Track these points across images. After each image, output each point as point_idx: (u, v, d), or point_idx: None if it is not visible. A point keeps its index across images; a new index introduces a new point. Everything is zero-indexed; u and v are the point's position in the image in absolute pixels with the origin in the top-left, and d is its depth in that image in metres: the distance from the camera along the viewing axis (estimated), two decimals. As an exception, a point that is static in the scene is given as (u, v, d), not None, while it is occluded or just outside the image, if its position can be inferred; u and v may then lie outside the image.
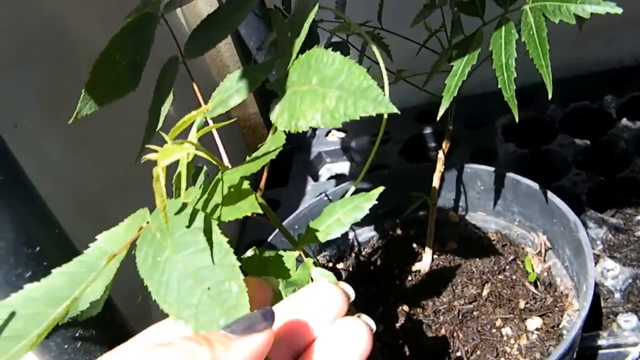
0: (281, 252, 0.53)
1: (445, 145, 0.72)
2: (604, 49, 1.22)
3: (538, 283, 0.70)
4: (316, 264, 0.62)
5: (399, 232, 0.80)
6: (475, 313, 0.70)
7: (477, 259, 0.72)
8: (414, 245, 0.77)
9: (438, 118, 0.56)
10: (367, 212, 0.49)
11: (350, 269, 0.77)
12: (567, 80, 1.22)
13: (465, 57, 0.55)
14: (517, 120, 0.53)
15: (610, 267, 0.81)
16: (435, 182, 0.72)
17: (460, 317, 0.69)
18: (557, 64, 1.29)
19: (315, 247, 0.80)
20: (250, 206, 0.44)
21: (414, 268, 0.74)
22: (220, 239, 0.38)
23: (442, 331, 0.69)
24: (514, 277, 0.72)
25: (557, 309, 0.67)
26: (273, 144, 0.52)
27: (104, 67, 0.53)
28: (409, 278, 0.73)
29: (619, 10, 0.47)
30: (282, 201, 1.15)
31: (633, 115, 1.02)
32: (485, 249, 0.74)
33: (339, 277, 0.77)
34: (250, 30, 1.15)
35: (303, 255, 0.51)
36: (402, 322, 0.70)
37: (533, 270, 0.71)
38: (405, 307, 0.70)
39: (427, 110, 1.23)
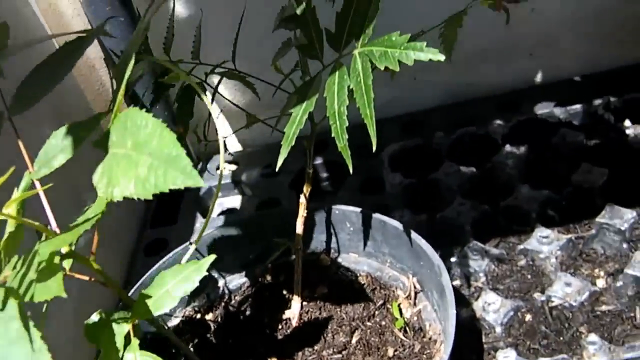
0: (114, 326, 0.49)
1: (306, 189, 0.68)
2: (496, 72, 1.22)
3: (407, 328, 0.67)
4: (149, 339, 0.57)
5: (269, 278, 0.76)
6: (343, 364, 0.66)
7: (347, 304, 0.69)
8: (285, 291, 0.74)
9: (277, 169, 0.53)
10: (197, 284, 0.45)
11: (219, 319, 0.73)
12: (460, 105, 1.22)
13: (303, 104, 0.52)
14: (351, 171, 0.50)
15: (492, 301, 0.80)
16: (299, 228, 0.68)
17: (328, 368, 0.66)
18: (449, 87, 1.29)
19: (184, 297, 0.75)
20: (57, 287, 0.40)
21: (284, 316, 0.70)
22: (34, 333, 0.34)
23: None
24: (383, 323, 0.69)
25: (424, 356, 0.64)
26: (94, 210, 0.47)
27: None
28: (279, 327, 0.69)
29: (442, 58, 0.44)
30: (171, 240, 1.09)
31: (517, 140, 1.01)
32: (356, 294, 0.71)
33: (206, 329, 0.72)
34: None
35: (132, 333, 0.46)
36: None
37: (401, 316, 0.68)
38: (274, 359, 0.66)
39: (319, 139, 1.20)
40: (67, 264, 0.47)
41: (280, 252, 0.71)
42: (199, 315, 0.73)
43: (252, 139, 1.27)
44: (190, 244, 0.68)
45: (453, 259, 0.87)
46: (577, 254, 0.85)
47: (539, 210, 0.90)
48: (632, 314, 0.76)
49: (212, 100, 0.75)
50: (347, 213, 0.74)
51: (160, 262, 0.73)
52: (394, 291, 0.72)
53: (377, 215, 0.72)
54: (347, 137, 0.49)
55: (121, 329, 0.47)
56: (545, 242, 0.85)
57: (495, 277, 0.84)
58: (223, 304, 0.75)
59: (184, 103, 0.79)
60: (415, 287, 0.70)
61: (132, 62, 0.46)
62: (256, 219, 0.78)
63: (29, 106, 0.54)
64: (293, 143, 0.53)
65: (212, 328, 0.72)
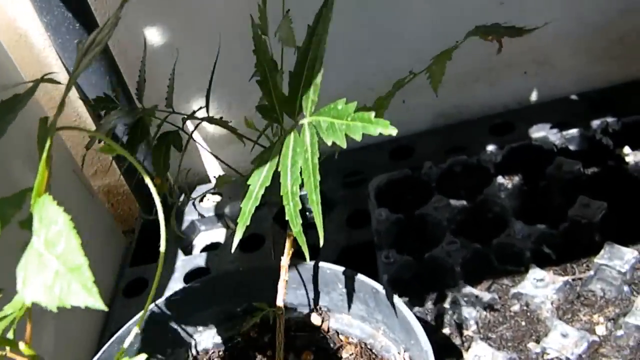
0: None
1: (287, 256, 0.63)
2: (488, 92, 1.16)
3: None
4: None
5: (250, 336, 0.71)
6: None
7: None
8: (267, 355, 0.68)
9: (232, 250, 0.48)
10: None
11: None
12: (451, 127, 1.17)
13: (260, 178, 0.47)
14: (307, 258, 0.44)
15: (483, 354, 0.74)
16: (280, 294, 0.63)
17: None
18: (440, 110, 1.23)
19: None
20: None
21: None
22: None
23: None
24: None
25: None
26: (12, 307, 0.42)
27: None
28: None
29: (394, 132, 0.39)
30: (151, 279, 1.05)
31: (511, 169, 0.96)
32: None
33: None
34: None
35: None
36: None
37: None
38: None
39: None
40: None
41: (259, 317, 0.65)
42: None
43: (236, 168, 1.22)
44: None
45: (441, 304, 0.82)
46: (574, 297, 0.79)
47: (533, 248, 0.85)
48: (634, 368, 0.70)
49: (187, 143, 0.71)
50: (337, 273, 0.68)
51: (106, 345, 0.67)
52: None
53: (369, 281, 0.66)
54: (301, 221, 0.44)
55: None
56: (540, 286, 0.79)
57: (487, 324, 0.79)
58: (192, 367, 0.70)
59: (160, 154, 0.74)
60: (407, 364, 0.65)
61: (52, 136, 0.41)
62: (231, 277, 0.73)
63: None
64: (248, 222, 0.47)
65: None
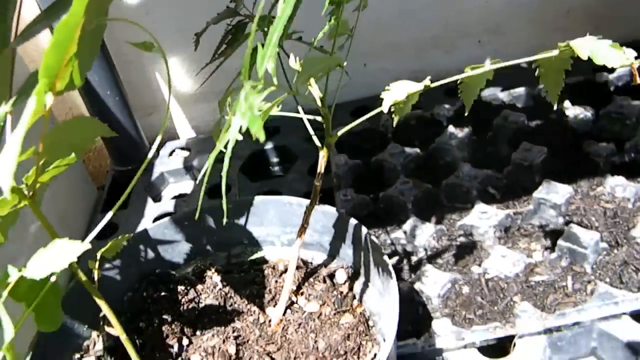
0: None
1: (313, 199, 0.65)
2: (443, 59, 1.24)
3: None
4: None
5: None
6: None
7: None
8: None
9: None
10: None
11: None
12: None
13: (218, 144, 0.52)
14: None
15: (430, 274, 0.81)
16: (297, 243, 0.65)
17: None
18: (399, 74, 1.30)
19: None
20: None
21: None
22: None
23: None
24: None
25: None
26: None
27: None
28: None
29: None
30: (121, 225, 1.09)
31: (461, 122, 1.03)
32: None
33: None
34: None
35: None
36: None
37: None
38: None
39: (271, 126, 1.21)
40: None
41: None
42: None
43: (204, 125, 1.28)
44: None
45: (394, 235, 0.88)
46: (515, 229, 0.87)
47: (479, 187, 0.92)
48: (564, 284, 0.77)
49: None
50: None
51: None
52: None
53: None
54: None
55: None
56: (484, 218, 0.86)
57: (435, 252, 0.86)
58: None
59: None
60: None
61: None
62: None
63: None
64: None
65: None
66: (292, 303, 0.68)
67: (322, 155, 0.60)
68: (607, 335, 0.73)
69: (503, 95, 1.06)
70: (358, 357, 0.60)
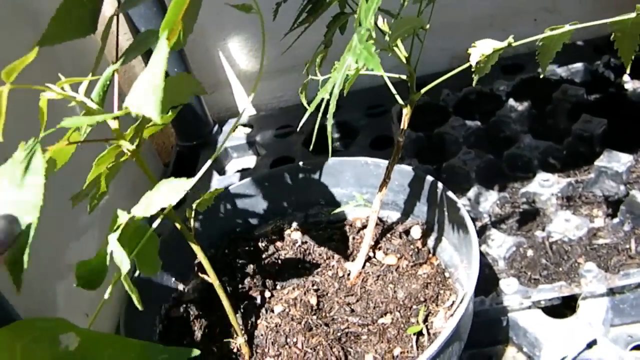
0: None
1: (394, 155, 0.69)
2: (499, 38, 1.26)
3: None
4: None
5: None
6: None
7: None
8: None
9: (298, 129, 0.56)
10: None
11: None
12: (467, 68, 1.26)
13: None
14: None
15: (495, 238, 0.84)
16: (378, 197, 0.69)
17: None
18: (456, 52, 1.33)
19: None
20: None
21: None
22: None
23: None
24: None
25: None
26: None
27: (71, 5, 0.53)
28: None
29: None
30: (188, 197, 1.14)
31: (521, 96, 1.06)
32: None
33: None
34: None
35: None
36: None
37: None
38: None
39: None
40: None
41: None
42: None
43: (265, 104, 1.32)
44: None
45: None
46: (577, 197, 0.89)
47: (540, 158, 0.95)
48: (628, 246, 0.80)
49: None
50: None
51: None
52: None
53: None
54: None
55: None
56: (546, 185, 0.89)
57: (499, 218, 0.89)
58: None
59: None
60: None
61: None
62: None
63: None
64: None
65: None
66: (370, 257, 0.72)
67: (406, 112, 0.64)
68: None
69: (561, 71, 1.09)
70: (437, 305, 0.64)
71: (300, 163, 0.79)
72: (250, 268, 0.76)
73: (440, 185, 0.68)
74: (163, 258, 0.71)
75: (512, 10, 1.23)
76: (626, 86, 1.02)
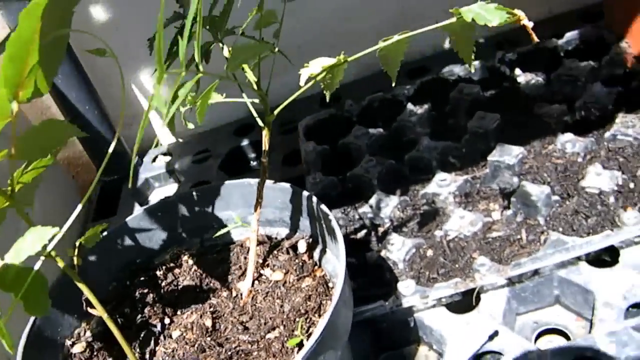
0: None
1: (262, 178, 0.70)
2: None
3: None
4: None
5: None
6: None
7: None
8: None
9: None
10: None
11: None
12: (373, 76, 1.28)
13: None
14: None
15: (395, 242, 0.86)
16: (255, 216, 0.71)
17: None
18: (363, 61, 1.35)
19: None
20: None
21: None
22: None
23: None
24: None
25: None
26: None
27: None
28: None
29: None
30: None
31: (421, 99, 1.08)
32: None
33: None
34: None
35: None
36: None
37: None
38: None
39: (245, 123, 1.27)
40: None
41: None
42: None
43: (183, 130, 1.33)
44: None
45: (361, 210, 0.93)
46: (475, 193, 0.92)
47: (440, 158, 0.97)
48: (519, 237, 0.82)
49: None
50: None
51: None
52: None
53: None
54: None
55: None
56: (443, 185, 0.91)
57: (400, 221, 0.91)
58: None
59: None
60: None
61: None
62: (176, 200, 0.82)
63: None
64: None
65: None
66: (260, 275, 0.73)
67: (265, 133, 0.65)
68: (567, 282, 0.78)
69: (459, 70, 1.11)
70: (319, 315, 0.66)
71: (193, 191, 0.80)
72: (150, 297, 0.76)
73: (314, 199, 0.69)
74: (65, 294, 0.72)
75: (414, 14, 1.25)
76: (518, 79, 1.05)
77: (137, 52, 1.20)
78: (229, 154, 1.20)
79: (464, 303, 0.80)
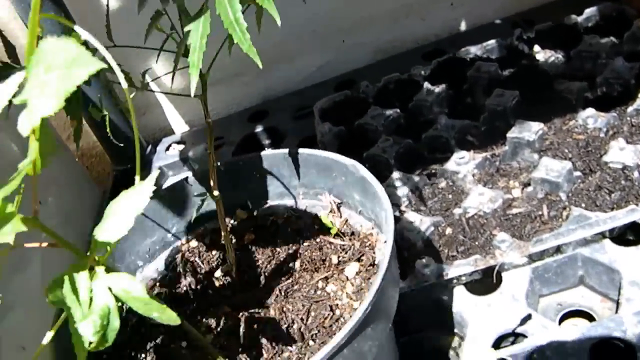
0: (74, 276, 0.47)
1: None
2: (419, 26, 1.27)
3: (341, 234, 0.72)
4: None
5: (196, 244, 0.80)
6: (296, 286, 0.70)
7: (278, 240, 0.73)
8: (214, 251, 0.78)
9: (192, 94, 0.56)
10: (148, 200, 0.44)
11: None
12: (388, 60, 1.27)
13: (199, 30, 0.55)
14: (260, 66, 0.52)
15: (413, 220, 0.84)
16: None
17: (283, 294, 0.69)
18: (377, 46, 1.33)
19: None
20: (13, 228, 0.41)
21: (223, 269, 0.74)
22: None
23: (271, 312, 0.68)
24: (318, 239, 0.72)
25: (367, 248, 0.68)
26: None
27: None
28: (222, 281, 0.73)
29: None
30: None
31: (437, 79, 1.06)
32: (281, 229, 0.76)
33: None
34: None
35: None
36: (229, 323, 0.68)
37: (333, 225, 0.72)
38: (227, 309, 0.69)
39: (259, 110, 1.25)
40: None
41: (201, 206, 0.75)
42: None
43: (196, 119, 1.32)
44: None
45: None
46: (494, 170, 0.89)
47: (458, 137, 0.95)
48: (540, 213, 0.80)
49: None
50: (254, 160, 0.77)
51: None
52: (315, 214, 0.75)
53: (278, 152, 0.75)
54: (248, 36, 0.52)
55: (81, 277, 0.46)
56: (462, 163, 0.89)
57: (419, 200, 0.89)
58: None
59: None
60: (334, 202, 0.74)
61: None
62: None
63: None
64: (200, 68, 0.55)
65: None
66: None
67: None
68: (591, 262, 0.75)
69: (475, 49, 1.09)
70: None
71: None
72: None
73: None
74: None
75: (427, -1, 1.23)
76: (537, 56, 1.02)
77: (149, 41, 1.19)
78: (243, 141, 1.19)
79: (485, 284, 0.78)
